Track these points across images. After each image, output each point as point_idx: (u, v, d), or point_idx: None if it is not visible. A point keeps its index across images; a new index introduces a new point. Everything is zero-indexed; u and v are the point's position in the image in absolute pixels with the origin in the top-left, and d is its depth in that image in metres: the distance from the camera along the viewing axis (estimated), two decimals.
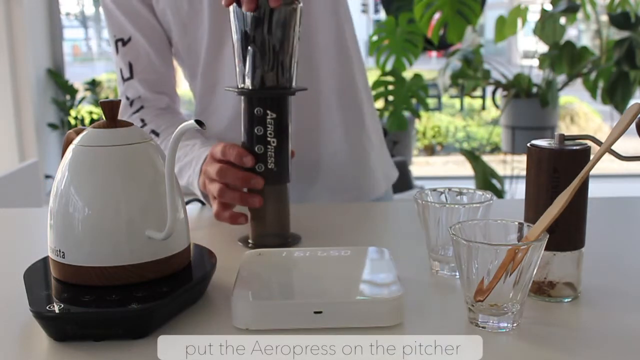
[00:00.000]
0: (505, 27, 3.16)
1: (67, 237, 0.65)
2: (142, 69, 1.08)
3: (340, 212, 1.05)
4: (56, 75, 3.74)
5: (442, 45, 3.86)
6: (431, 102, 4.99)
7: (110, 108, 0.67)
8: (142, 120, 1.08)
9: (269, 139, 0.83)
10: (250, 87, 0.82)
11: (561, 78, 3.17)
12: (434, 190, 0.79)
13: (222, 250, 0.75)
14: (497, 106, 3.30)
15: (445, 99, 5.98)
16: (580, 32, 6.48)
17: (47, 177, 3.37)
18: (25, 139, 3.55)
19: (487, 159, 3.12)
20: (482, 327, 0.61)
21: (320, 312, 0.61)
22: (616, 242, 0.89)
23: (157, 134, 1.07)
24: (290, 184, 0.87)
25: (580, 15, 3.18)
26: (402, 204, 1.16)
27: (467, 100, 6.06)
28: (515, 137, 3.17)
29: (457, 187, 0.80)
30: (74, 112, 3.78)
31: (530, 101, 3.12)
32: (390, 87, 2.94)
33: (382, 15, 4.82)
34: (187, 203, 1.02)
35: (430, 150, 5.88)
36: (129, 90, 1.09)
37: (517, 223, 0.65)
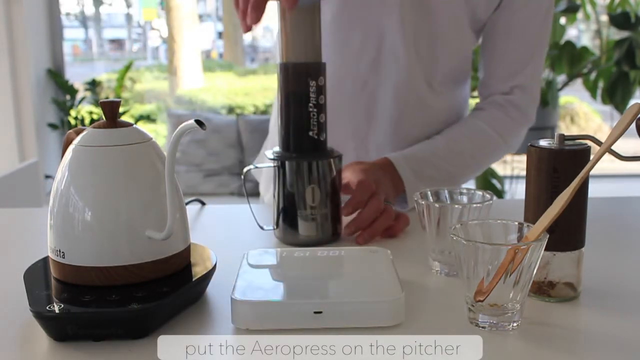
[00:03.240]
0: None
1: (67, 237, 0.65)
2: None
3: None
4: (56, 75, 3.75)
5: None
6: None
7: (110, 108, 0.67)
8: None
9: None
10: None
11: (561, 78, 3.17)
12: (434, 190, 0.79)
13: (222, 250, 0.75)
14: None
15: None
16: (580, 32, 6.49)
17: (47, 177, 3.38)
18: (25, 139, 3.55)
19: None
20: (482, 327, 0.61)
21: (320, 312, 0.61)
22: (616, 242, 0.89)
23: None
24: None
25: (580, 15, 3.18)
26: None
27: None
28: None
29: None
30: (74, 112, 3.79)
31: None
32: None
33: None
34: (187, 203, 1.02)
35: None
36: None
37: (517, 223, 0.65)
